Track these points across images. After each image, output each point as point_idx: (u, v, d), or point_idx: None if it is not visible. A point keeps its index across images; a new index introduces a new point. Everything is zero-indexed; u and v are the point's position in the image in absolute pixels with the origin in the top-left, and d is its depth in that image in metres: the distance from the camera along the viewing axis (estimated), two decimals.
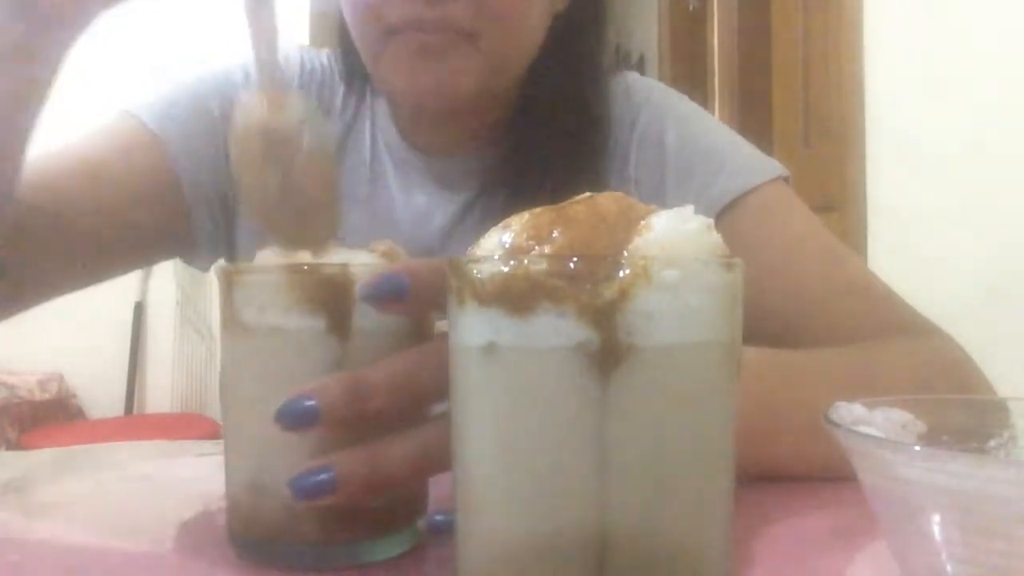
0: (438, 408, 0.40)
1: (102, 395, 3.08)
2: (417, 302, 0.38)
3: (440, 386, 0.37)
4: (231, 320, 0.41)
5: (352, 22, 0.71)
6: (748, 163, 0.76)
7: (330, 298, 0.39)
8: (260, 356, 0.41)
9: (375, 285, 0.38)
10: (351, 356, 0.39)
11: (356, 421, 0.38)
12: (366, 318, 0.40)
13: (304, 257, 0.43)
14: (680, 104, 0.82)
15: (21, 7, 0.53)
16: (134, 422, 2.96)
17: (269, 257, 0.42)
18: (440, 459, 0.37)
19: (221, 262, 0.43)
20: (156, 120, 0.75)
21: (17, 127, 0.58)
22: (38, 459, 0.74)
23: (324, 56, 0.83)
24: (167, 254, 0.79)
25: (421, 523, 0.42)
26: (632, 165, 0.78)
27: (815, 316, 0.69)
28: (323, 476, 0.37)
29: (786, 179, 0.76)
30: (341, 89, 0.81)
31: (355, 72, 0.79)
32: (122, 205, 0.72)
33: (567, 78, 0.76)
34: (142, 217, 0.74)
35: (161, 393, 3.09)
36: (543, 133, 0.75)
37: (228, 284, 0.41)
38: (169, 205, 0.75)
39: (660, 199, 0.75)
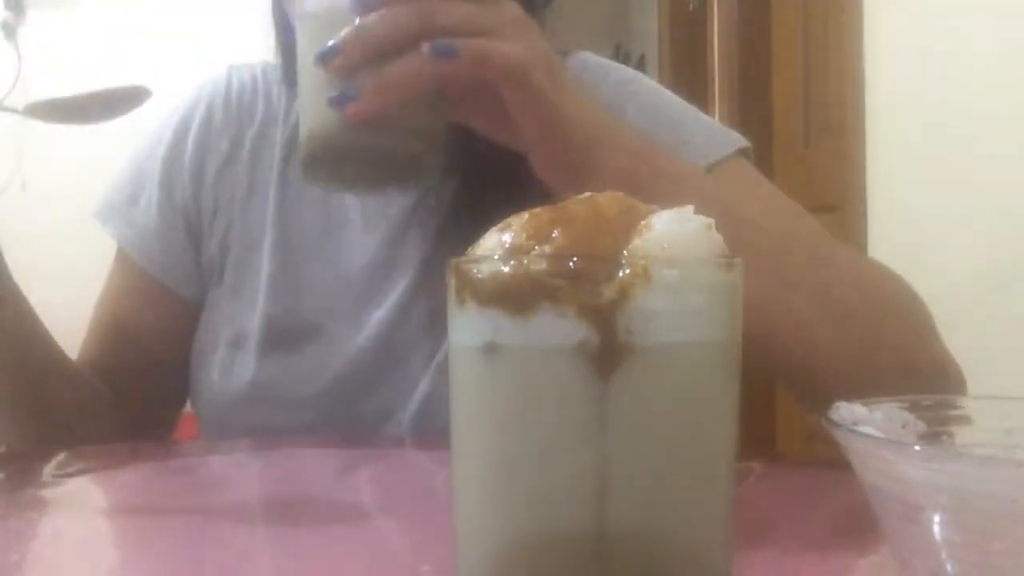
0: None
1: None
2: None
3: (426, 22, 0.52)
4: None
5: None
6: (710, 136, 0.76)
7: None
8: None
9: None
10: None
11: (365, 52, 0.52)
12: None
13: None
14: (636, 81, 0.81)
15: None
16: None
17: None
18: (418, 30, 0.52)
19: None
20: (137, 247, 0.80)
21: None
22: (39, 459, 0.74)
23: (257, 69, 0.85)
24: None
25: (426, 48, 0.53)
26: None
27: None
28: (347, 88, 0.52)
29: (745, 151, 0.77)
30: (284, 95, 0.82)
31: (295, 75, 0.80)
32: (149, 350, 0.79)
33: None
34: (168, 344, 0.80)
35: None
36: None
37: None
38: (177, 315, 0.80)
39: None
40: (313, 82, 0.55)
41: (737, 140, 0.77)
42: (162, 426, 0.84)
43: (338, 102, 0.52)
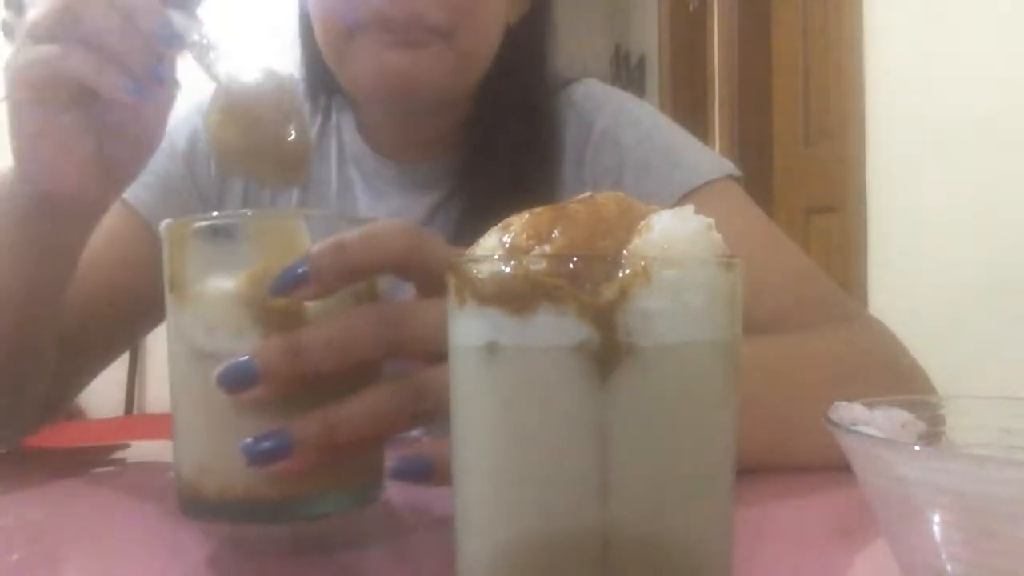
0: (398, 368, 0.41)
1: (102, 395, 3.08)
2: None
3: (383, 344, 0.39)
4: (178, 337, 0.41)
5: (318, 25, 0.73)
6: (702, 160, 0.79)
7: (281, 324, 0.39)
8: (206, 375, 0.39)
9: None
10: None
11: (296, 380, 0.38)
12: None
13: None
14: (636, 108, 0.85)
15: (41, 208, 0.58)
16: (134, 422, 2.95)
17: (220, 281, 0.42)
18: (395, 419, 0.39)
19: (167, 221, 0.43)
20: (132, 192, 0.77)
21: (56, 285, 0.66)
22: (38, 459, 0.74)
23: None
24: None
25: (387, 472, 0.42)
26: (588, 167, 0.81)
27: (755, 304, 0.70)
28: (277, 440, 0.37)
29: (737, 179, 0.79)
30: (306, 108, 0.84)
31: (320, 88, 0.82)
32: (130, 293, 0.76)
33: (516, 88, 0.80)
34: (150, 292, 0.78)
35: (161, 393, 3.08)
36: (497, 138, 0.79)
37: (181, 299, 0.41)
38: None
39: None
40: (208, 418, 0.39)
41: (728, 167, 0.79)
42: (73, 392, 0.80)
43: (260, 455, 0.37)
